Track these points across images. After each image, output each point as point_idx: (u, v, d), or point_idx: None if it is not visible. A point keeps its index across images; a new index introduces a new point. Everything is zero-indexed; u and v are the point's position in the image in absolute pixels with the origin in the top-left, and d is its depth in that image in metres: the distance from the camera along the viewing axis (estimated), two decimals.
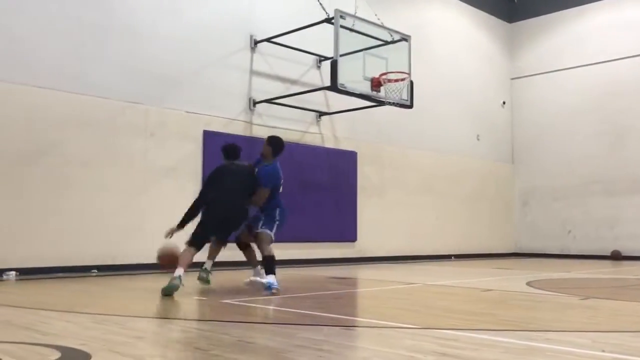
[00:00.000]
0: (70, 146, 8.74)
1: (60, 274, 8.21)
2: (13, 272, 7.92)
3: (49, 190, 8.48)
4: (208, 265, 6.74)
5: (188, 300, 6.14)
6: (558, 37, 16.76)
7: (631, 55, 15.31)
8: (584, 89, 16.03)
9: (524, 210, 17.01)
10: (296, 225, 9.27)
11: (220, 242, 6.77)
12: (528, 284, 7.67)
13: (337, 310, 5.32)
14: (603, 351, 3.35)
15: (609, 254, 14.98)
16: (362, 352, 3.51)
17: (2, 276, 7.80)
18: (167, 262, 6.43)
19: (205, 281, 6.71)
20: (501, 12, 17.37)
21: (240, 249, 6.89)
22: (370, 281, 8.50)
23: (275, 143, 6.75)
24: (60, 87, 8.69)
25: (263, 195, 6.56)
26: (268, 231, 6.54)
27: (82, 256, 8.69)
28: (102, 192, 8.98)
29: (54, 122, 8.61)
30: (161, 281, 7.77)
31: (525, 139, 17.11)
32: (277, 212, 6.65)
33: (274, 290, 6.18)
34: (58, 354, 3.16)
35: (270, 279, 6.31)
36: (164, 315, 4.62)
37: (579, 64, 16.16)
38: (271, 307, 5.32)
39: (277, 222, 6.63)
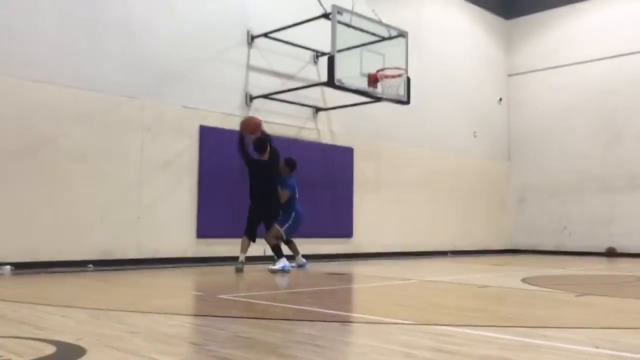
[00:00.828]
0: (66, 140, 8.71)
1: (56, 269, 8.20)
2: (8, 267, 7.90)
3: (44, 184, 8.46)
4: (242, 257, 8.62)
5: (185, 295, 6.15)
6: (555, 34, 16.77)
7: (628, 52, 15.32)
8: (580, 86, 16.04)
9: (520, 206, 17.04)
10: None
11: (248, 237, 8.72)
12: (524, 280, 7.68)
13: (333, 305, 5.32)
14: (597, 347, 3.36)
15: (603, 251, 15.04)
16: (358, 347, 3.52)
17: None
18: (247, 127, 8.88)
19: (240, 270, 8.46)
20: (498, 8, 17.35)
21: (285, 244, 9.13)
22: (366, 277, 8.51)
23: (286, 163, 9.22)
24: (55, 82, 8.65)
25: (283, 196, 8.90)
26: (278, 226, 8.75)
27: (78, 251, 8.67)
28: (98, 187, 8.96)
29: (49, 116, 8.58)
30: (157, 276, 7.79)
31: (522, 136, 17.13)
32: (293, 215, 9.00)
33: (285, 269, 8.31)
34: (53, 349, 3.15)
35: (280, 264, 8.31)
36: (160, 311, 4.62)
37: (576, 61, 16.17)
38: (268, 303, 5.32)
39: (289, 223, 8.92)
